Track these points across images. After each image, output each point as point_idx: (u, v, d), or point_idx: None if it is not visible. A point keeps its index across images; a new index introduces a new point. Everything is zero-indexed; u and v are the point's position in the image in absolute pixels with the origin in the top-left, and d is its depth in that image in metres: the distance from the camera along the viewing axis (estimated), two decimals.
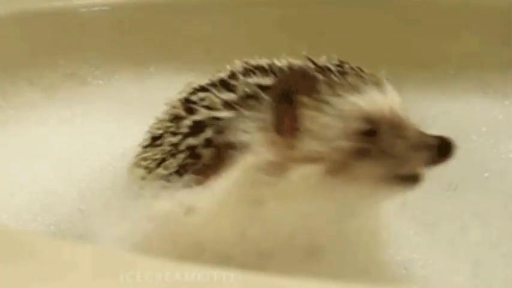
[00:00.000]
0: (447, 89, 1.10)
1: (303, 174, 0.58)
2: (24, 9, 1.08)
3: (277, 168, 0.58)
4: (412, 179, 0.59)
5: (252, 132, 0.59)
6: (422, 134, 0.59)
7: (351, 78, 0.60)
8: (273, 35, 1.11)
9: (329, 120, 0.58)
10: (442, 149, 0.58)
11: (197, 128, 0.63)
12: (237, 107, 0.61)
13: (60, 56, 1.08)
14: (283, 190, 0.58)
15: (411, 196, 0.78)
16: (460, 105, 1.06)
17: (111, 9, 1.14)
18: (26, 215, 0.79)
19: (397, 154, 0.58)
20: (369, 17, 1.13)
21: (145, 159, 0.69)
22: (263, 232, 0.60)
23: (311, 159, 0.58)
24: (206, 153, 0.62)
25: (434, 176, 0.86)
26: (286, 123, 0.59)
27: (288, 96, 0.58)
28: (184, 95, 0.68)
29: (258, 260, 0.59)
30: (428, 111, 1.02)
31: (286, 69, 0.62)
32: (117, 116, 1.01)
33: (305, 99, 0.59)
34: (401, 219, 0.71)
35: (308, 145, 0.58)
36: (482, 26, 1.12)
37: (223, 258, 0.58)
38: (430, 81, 1.09)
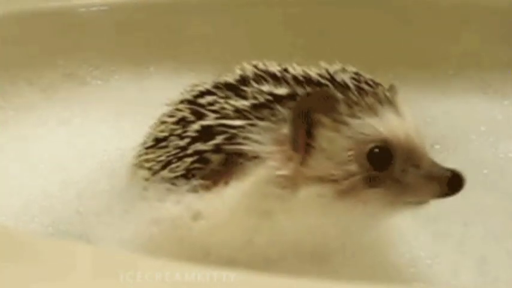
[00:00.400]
0: (447, 89, 1.10)
1: (312, 192, 0.58)
2: (24, 9, 1.08)
3: (288, 183, 0.58)
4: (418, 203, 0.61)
5: (265, 144, 0.59)
6: (435, 165, 0.59)
7: (368, 98, 0.60)
8: (273, 35, 1.11)
9: (345, 142, 0.58)
10: (452, 183, 0.58)
11: (206, 133, 0.62)
12: (249, 115, 0.61)
13: (59, 56, 1.08)
14: (292, 205, 0.59)
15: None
16: (460, 105, 1.06)
17: (110, 9, 1.14)
18: (24, 217, 0.78)
19: (408, 183, 0.59)
20: (369, 17, 1.13)
21: (148, 160, 0.68)
22: (270, 241, 0.60)
23: (323, 179, 0.58)
24: (215, 158, 0.61)
25: None
26: (302, 141, 0.58)
27: (308, 115, 0.58)
28: (188, 96, 0.68)
29: (264, 264, 0.59)
30: (428, 111, 1.02)
31: (302, 80, 0.62)
32: (117, 116, 1.01)
33: (324, 118, 0.58)
34: (405, 217, 0.71)
35: (321, 165, 0.58)
36: (482, 26, 1.12)
37: (229, 262, 0.58)
38: (430, 81, 1.09)
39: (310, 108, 0.58)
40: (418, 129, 0.61)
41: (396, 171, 0.59)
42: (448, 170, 0.59)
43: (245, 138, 0.60)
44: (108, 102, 1.05)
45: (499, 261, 0.71)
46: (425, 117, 1.01)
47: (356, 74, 0.62)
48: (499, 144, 0.97)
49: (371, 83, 0.61)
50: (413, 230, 0.74)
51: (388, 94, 0.61)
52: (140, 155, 0.71)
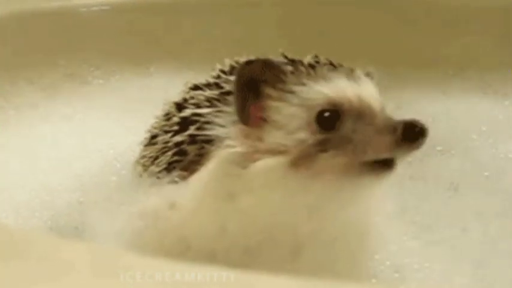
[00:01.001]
0: (447, 89, 1.10)
1: (264, 166, 0.57)
2: (24, 9, 1.08)
3: (247, 161, 0.57)
4: (384, 166, 0.56)
5: (227, 126, 0.59)
6: (389, 119, 0.56)
7: (319, 69, 0.59)
8: (273, 35, 1.11)
9: (293, 110, 0.57)
10: (407, 132, 0.54)
11: (184, 125, 0.64)
12: (216, 103, 0.61)
13: (60, 55, 1.08)
14: (250, 182, 0.57)
15: (412, 199, 0.78)
16: (460, 105, 1.06)
17: (111, 9, 1.14)
18: (25, 212, 0.79)
19: (359, 140, 0.55)
20: (369, 17, 1.13)
21: (143, 157, 0.70)
22: (242, 226, 0.59)
23: (275, 151, 0.57)
24: (191, 149, 0.62)
25: (435, 176, 0.87)
26: (252, 114, 0.58)
27: (251, 86, 0.57)
28: (182, 95, 0.69)
29: (242, 256, 0.59)
30: (428, 111, 1.02)
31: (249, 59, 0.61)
32: (117, 115, 1.01)
33: (270, 90, 0.58)
34: (400, 225, 0.71)
35: (274, 137, 0.57)
36: (482, 26, 1.12)
37: (208, 255, 0.58)
38: (430, 81, 1.09)
39: (252, 80, 0.57)
40: (376, 95, 0.58)
41: (346, 131, 0.56)
42: (403, 121, 0.54)
43: (211, 123, 0.60)
44: (109, 101, 1.06)
45: (495, 265, 0.71)
46: (425, 117, 1.00)
47: (320, 57, 0.61)
48: (499, 144, 0.97)
49: (335, 64, 0.60)
50: (401, 238, 0.74)
51: (347, 68, 0.60)
52: (140, 152, 0.72)
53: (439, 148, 0.94)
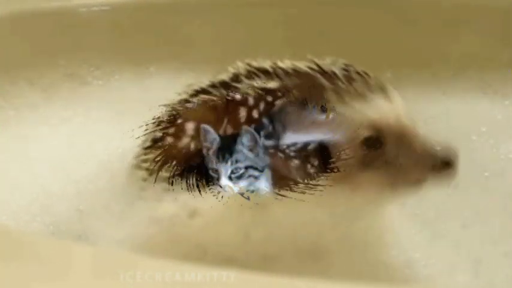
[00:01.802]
0: (447, 89, 1.10)
1: None
2: (24, 9, 1.08)
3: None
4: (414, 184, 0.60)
5: None
6: (429, 146, 0.59)
7: (357, 85, 0.60)
8: (273, 35, 1.11)
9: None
10: (446, 164, 0.58)
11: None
12: None
13: (60, 56, 1.08)
14: None
15: (411, 196, 0.78)
16: (460, 105, 1.06)
17: (111, 9, 1.14)
18: (25, 216, 0.79)
19: (400, 165, 0.58)
20: (369, 17, 1.13)
21: (146, 160, 0.69)
22: (267, 235, 0.60)
23: None
24: None
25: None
26: None
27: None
28: (185, 96, 0.68)
29: (261, 262, 0.59)
30: (428, 111, 1.02)
31: (292, 73, 0.62)
32: (118, 116, 1.01)
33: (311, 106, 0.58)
34: (403, 219, 0.71)
35: None
36: (482, 26, 1.12)
37: (226, 260, 0.58)
38: (430, 81, 1.09)
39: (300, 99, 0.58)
40: (408, 113, 0.61)
41: (388, 154, 0.59)
42: (441, 150, 0.59)
43: None
44: (109, 102, 1.05)
45: (495, 264, 0.71)
46: (425, 117, 1.00)
47: (347, 65, 0.62)
48: (500, 145, 0.97)
49: (362, 73, 0.62)
50: (410, 231, 0.74)
51: (377, 81, 0.61)
52: (139, 156, 0.71)
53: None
